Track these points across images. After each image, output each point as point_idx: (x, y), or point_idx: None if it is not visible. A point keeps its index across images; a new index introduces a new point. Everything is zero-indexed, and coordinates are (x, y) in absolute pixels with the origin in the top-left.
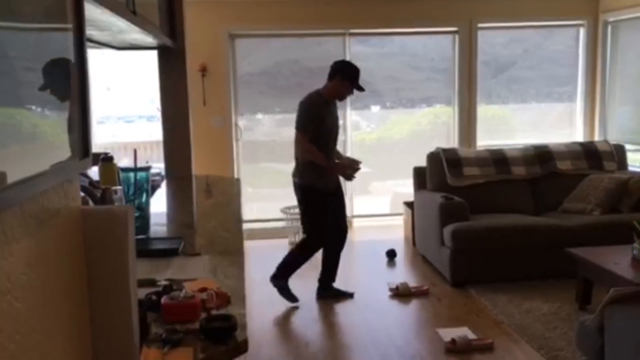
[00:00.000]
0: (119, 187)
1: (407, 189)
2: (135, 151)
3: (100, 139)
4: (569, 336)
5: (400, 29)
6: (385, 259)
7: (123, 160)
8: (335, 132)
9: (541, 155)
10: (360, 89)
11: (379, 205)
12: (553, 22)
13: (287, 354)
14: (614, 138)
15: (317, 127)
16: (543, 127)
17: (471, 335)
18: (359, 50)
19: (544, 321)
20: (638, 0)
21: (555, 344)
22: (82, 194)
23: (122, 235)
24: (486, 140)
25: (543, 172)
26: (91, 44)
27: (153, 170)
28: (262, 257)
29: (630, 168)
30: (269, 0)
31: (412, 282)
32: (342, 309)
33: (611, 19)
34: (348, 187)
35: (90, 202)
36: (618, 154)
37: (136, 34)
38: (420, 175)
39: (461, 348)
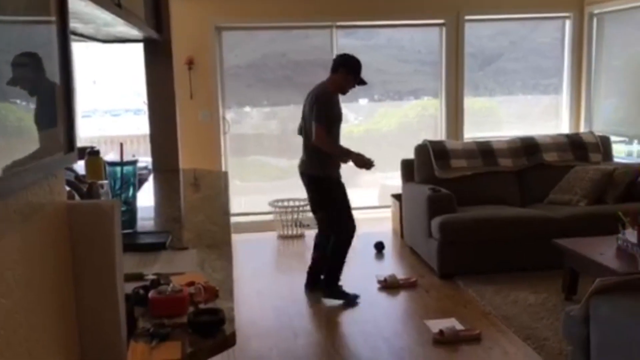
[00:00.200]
0: (105, 182)
1: (395, 181)
2: (121, 145)
3: (87, 132)
4: (555, 326)
5: (387, 22)
6: (373, 251)
7: (110, 155)
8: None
9: (527, 147)
10: (363, 82)
11: (367, 198)
12: (539, 14)
13: (275, 346)
14: (599, 130)
15: (335, 120)
16: (529, 119)
17: (459, 326)
18: (346, 43)
19: (530, 312)
20: None
21: (541, 334)
22: (68, 188)
23: (109, 229)
24: (473, 132)
25: (529, 164)
26: (76, 37)
27: (140, 164)
28: (251, 251)
29: (616, 159)
30: None
31: (400, 274)
32: (331, 302)
33: (597, 12)
34: None
35: (77, 197)
36: (603, 145)
37: (121, 27)
38: (407, 168)
39: (449, 339)
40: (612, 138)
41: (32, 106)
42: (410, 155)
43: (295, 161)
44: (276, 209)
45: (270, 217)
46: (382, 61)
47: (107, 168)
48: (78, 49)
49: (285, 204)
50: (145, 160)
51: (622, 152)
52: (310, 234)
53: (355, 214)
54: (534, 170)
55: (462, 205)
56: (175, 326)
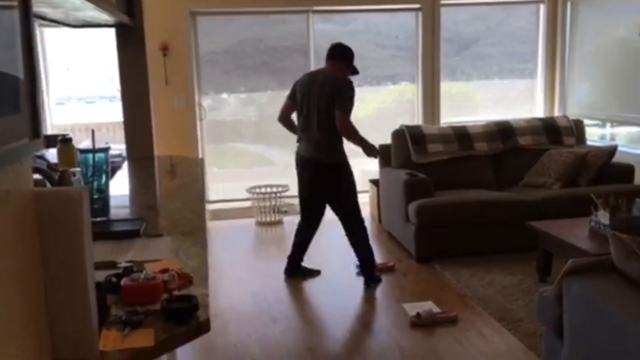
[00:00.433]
0: (77, 169)
1: (372, 166)
2: (93, 132)
3: (62, 120)
4: (529, 307)
5: (363, 6)
6: None
7: (84, 142)
8: None
9: (503, 131)
10: (356, 72)
11: None
12: None
13: (254, 332)
14: (573, 113)
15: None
16: (505, 104)
17: (435, 309)
18: (322, 28)
19: (505, 293)
20: None
21: (516, 315)
22: (39, 176)
23: (77, 216)
24: (450, 117)
25: (505, 148)
26: (45, 22)
27: (113, 152)
28: (229, 237)
29: (589, 142)
30: None
31: (378, 259)
32: (309, 287)
33: None
34: None
35: (48, 185)
36: (577, 128)
37: (91, 11)
38: (385, 153)
39: (426, 321)
40: (586, 121)
41: None
42: (388, 140)
43: (273, 148)
44: (254, 195)
45: (248, 203)
46: (359, 47)
47: (79, 155)
48: (49, 34)
49: (263, 190)
50: (119, 147)
51: (595, 135)
52: (289, 220)
53: None
54: (509, 154)
55: (438, 189)
56: (148, 313)
